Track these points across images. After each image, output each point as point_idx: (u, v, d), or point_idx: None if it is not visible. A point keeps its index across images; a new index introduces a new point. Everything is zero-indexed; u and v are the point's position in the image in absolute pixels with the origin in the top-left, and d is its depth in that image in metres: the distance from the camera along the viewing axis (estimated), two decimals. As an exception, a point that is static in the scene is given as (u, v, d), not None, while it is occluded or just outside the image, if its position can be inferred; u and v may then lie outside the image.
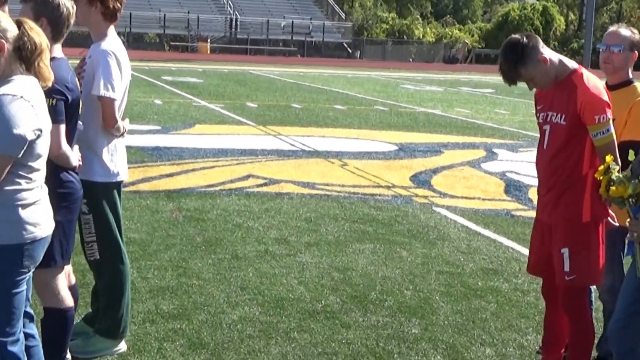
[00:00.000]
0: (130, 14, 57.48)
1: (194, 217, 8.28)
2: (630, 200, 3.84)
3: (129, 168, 5.09)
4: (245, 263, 6.77)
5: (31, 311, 3.99)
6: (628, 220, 3.95)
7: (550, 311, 4.65)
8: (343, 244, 7.52)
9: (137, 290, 5.86)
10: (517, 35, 4.28)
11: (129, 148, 5.49)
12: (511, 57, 4.19)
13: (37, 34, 3.65)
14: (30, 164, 3.58)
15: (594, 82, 4.29)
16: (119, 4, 4.72)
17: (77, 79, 4.33)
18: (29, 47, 3.59)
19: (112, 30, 4.77)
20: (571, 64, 4.36)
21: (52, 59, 3.94)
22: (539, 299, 6.13)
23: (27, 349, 3.84)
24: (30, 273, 3.75)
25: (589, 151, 4.28)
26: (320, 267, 6.77)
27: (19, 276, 3.64)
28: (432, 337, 5.34)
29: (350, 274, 6.60)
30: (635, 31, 4.81)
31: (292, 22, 67.42)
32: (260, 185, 10.16)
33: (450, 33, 77.54)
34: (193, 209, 8.60)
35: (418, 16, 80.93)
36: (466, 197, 10.06)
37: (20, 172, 3.56)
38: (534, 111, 4.61)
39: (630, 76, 4.79)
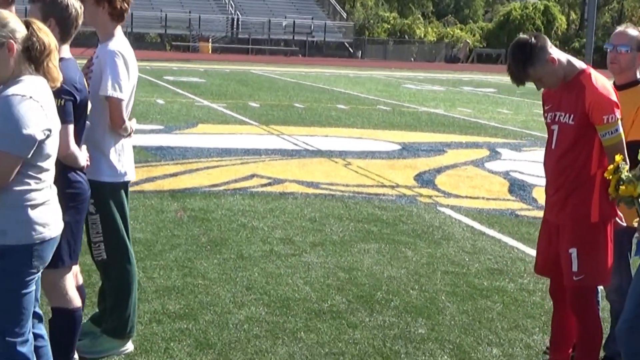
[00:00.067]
0: (132, 13, 57.40)
1: (198, 217, 8.28)
2: (639, 199, 3.84)
3: (132, 168, 5.09)
4: (250, 263, 6.77)
5: (40, 311, 3.99)
6: (636, 220, 3.95)
7: (558, 311, 4.65)
8: (348, 244, 7.52)
9: (143, 290, 5.86)
10: (525, 36, 4.27)
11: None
12: (519, 57, 4.19)
13: (46, 34, 3.65)
14: (39, 164, 3.59)
15: (602, 82, 4.29)
16: (126, 5, 4.73)
17: (84, 79, 4.33)
18: (38, 47, 3.60)
19: (119, 31, 4.77)
20: (579, 64, 4.35)
21: (61, 59, 3.93)
22: (545, 299, 6.14)
23: (36, 349, 3.84)
24: (39, 273, 3.75)
25: (597, 151, 4.28)
26: (325, 267, 6.78)
27: (28, 276, 3.64)
28: (439, 337, 5.34)
29: (355, 274, 6.60)
30: (643, 31, 4.80)
31: (294, 21, 67.39)
32: (265, 185, 10.16)
33: (451, 33, 77.51)
34: (198, 209, 8.60)
35: (419, 16, 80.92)
36: (470, 197, 10.06)
37: (30, 173, 3.56)
38: (542, 111, 4.61)
39: (638, 76, 4.79)
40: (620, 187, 3.85)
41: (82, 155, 4.26)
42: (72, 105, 4.06)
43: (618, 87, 4.67)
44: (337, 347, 5.09)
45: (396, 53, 71.89)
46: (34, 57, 3.60)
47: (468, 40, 73.15)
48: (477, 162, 12.78)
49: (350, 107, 21.42)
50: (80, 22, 4.22)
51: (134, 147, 4.96)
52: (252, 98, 22.83)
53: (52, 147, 3.64)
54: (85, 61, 4.85)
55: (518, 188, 10.76)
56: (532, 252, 7.42)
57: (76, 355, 4.50)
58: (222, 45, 64.59)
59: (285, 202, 9.23)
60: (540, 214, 9.03)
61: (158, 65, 36.95)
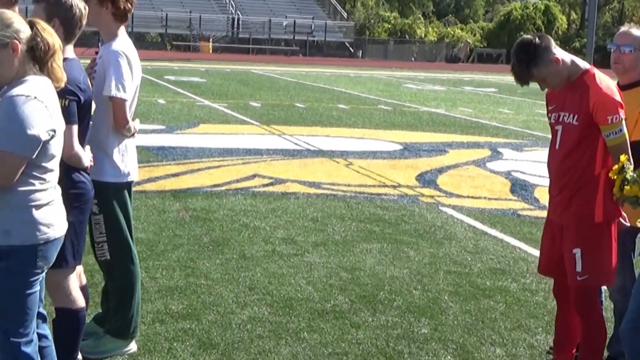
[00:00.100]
0: (133, 13, 57.32)
1: (200, 217, 8.28)
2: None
3: (134, 168, 5.08)
4: (253, 263, 6.77)
5: (44, 312, 3.99)
6: (640, 220, 3.95)
7: (562, 311, 4.65)
8: (350, 244, 7.52)
9: (146, 290, 5.86)
10: (529, 36, 4.27)
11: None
12: (523, 58, 4.19)
13: (50, 34, 3.65)
14: (44, 164, 3.58)
15: (607, 82, 4.29)
16: (129, 5, 4.74)
17: (88, 80, 4.33)
18: (42, 47, 3.59)
19: (122, 31, 4.78)
20: (583, 64, 4.36)
21: (65, 59, 3.93)
22: (548, 299, 6.14)
23: (40, 349, 3.84)
24: (44, 274, 3.75)
25: (601, 151, 4.28)
26: (328, 267, 6.77)
27: (32, 277, 3.64)
28: (442, 337, 5.34)
29: (358, 274, 6.60)
30: (647, 31, 4.80)
31: (294, 21, 67.39)
32: (266, 185, 10.16)
33: (452, 32, 77.50)
34: (200, 209, 8.60)
35: (420, 15, 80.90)
36: (472, 197, 10.06)
37: (34, 173, 3.56)
38: (545, 111, 4.61)
39: (642, 76, 4.79)
40: (625, 187, 3.86)
41: (86, 156, 4.25)
42: (76, 106, 4.06)
43: (622, 87, 4.67)
44: (340, 347, 5.09)
45: (397, 53, 71.89)
46: (38, 57, 3.60)
47: (469, 40, 73.14)
48: (479, 162, 12.78)
49: (351, 107, 21.42)
50: (84, 22, 4.21)
51: (136, 147, 4.96)
52: (253, 98, 22.83)
53: (56, 148, 3.64)
54: (87, 61, 4.84)
55: (520, 188, 10.76)
56: (534, 252, 7.43)
57: (79, 356, 4.51)
58: (223, 45, 64.61)
59: (287, 202, 9.23)
60: (542, 214, 9.08)
61: (159, 65, 36.93)
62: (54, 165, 3.67)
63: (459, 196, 10.09)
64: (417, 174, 11.44)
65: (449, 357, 5.05)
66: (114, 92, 4.57)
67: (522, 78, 4.24)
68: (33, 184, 3.57)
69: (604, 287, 4.87)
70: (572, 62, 4.32)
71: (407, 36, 75.56)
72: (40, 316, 3.91)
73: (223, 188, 9.81)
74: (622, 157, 3.94)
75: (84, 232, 4.38)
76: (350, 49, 70.51)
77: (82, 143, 4.22)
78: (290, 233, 7.81)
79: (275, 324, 5.43)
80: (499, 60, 68.64)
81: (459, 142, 15.17)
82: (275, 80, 31.98)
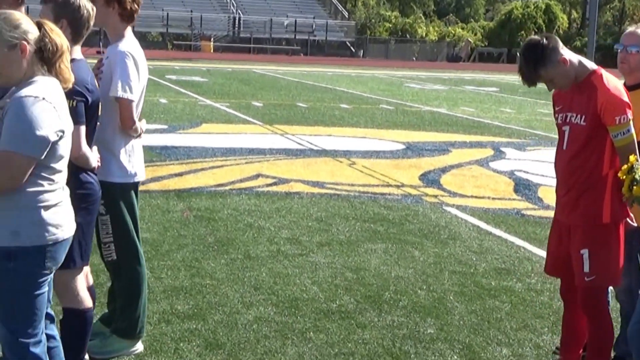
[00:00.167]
0: (134, 12, 57.36)
1: (204, 216, 8.29)
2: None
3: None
4: (258, 263, 6.77)
5: (52, 312, 3.99)
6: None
7: (569, 311, 4.65)
8: (355, 244, 7.52)
9: (151, 291, 5.86)
10: (536, 37, 4.27)
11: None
12: (531, 59, 4.19)
13: (58, 35, 3.65)
14: (52, 165, 3.58)
15: (614, 83, 4.29)
16: (136, 5, 4.73)
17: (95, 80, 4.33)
18: (50, 48, 3.59)
19: (129, 31, 4.78)
20: (590, 64, 4.35)
21: (72, 60, 3.94)
22: (553, 299, 6.15)
23: (48, 350, 3.84)
24: (52, 274, 3.75)
25: (609, 152, 4.27)
26: (333, 267, 6.78)
27: (41, 278, 3.64)
28: (448, 337, 5.34)
29: (363, 274, 6.60)
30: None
31: (295, 20, 67.42)
32: (270, 185, 10.17)
33: (453, 32, 77.51)
34: (204, 209, 8.61)
35: (421, 15, 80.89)
36: (476, 197, 10.06)
37: (43, 174, 3.56)
38: (551, 111, 4.61)
39: (649, 76, 4.78)
40: (634, 187, 3.85)
41: (94, 156, 4.26)
42: (84, 106, 4.06)
43: (628, 88, 4.65)
44: (346, 347, 5.09)
45: (398, 52, 71.92)
46: (46, 58, 3.60)
47: (470, 40, 73.14)
48: (482, 162, 12.78)
49: (353, 107, 21.41)
50: (92, 23, 4.22)
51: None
52: (255, 97, 22.83)
53: (65, 148, 3.64)
54: (91, 61, 4.84)
55: (523, 187, 10.75)
56: (539, 252, 7.44)
57: (86, 356, 4.51)
58: (224, 44, 64.62)
59: (291, 201, 9.23)
60: (546, 213, 9.10)
61: (160, 65, 36.93)
62: (63, 166, 3.67)
63: (462, 196, 10.09)
64: (420, 174, 11.44)
65: (455, 357, 5.05)
66: (120, 93, 4.57)
67: (530, 79, 4.24)
68: (42, 185, 3.57)
69: (610, 287, 4.86)
70: (580, 62, 4.32)
71: (408, 35, 75.57)
72: (49, 317, 3.91)
73: (227, 188, 9.81)
74: (632, 158, 3.94)
75: (92, 233, 4.38)
76: (352, 48, 70.54)
77: (90, 143, 4.23)
78: (294, 233, 7.81)
79: (281, 324, 5.43)
80: (500, 60, 68.64)
81: (461, 142, 15.17)
82: (276, 79, 31.99)
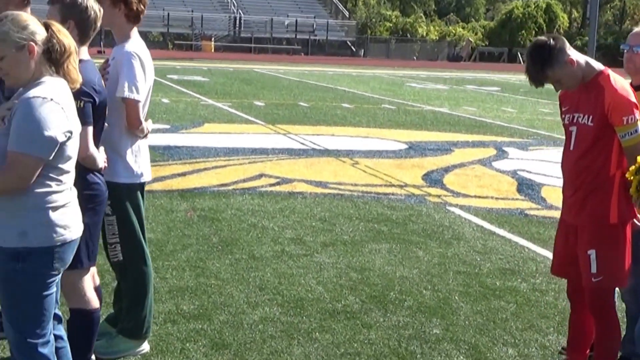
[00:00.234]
0: (135, 12, 57.34)
1: (208, 216, 8.29)
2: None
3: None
4: (262, 263, 6.77)
5: (60, 313, 3.99)
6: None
7: (576, 312, 4.65)
8: (359, 244, 7.52)
9: (157, 291, 5.86)
10: (543, 37, 4.27)
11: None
12: (538, 59, 4.18)
13: (65, 36, 3.66)
14: (60, 166, 3.59)
15: (621, 83, 4.29)
16: (142, 6, 4.76)
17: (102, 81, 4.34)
18: (58, 49, 3.60)
19: (135, 32, 4.79)
20: (597, 65, 4.35)
21: (79, 61, 3.93)
22: (558, 299, 6.15)
23: (56, 350, 3.84)
24: (60, 275, 3.75)
25: (616, 152, 4.27)
26: (337, 267, 6.78)
27: (49, 278, 3.65)
28: (454, 338, 5.34)
29: (368, 274, 6.61)
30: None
31: (296, 20, 67.43)
32: (273, 185, 10.17)
33: (453, 31, 77.49)
34: (207, 209, 8.61)
35: (421, 14, 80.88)
36: (479, 196, 10.06)
37: (51, 175, 3.56)
38: (559, 112, 4.60)
39: (655, 77, 4.78)
40: (642, 188, 3.85)
41: (101, 157, 4.26)
42: (91, 107, 4.07)
43: (634, 88, 4.65)
44: (352, 348, 5.10)
45: (398, 52, 71.92)
46: (54, 59, 3.60)
47: (470, 39, 73.12)
48: (485, 161, 12.78)
49: (355, 106, 21.41)
50: (99, 24, 4.22)
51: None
52: (257, 97, 22.83)
53: (72, 149, 3.65)
54: (98, 61, 4.85)
55: (526, 187, 10.75)
56: (543, 252, 7.44)
57: (93, 356, 4.51)
58: (225, 44, 64.64)
59: (295, 201, 9.23)
60: (549, 213, 9.10)
61: (161, 64, 36.93)
62: (70, 166, 3.67)
63: (466, 196, 10.09)
64: (423, 174, 11.44)
65: (461, 357, 5.05)
66: (126, 94, 4.57)
67: (537, 79, 4.24)
68: (50, 186, 3.57)
69: (616, 288, 4.86)
70: (587, 63, 4.32)
71: (408, 35, 75.55)
72: (56, 317, 3.91)
73: (230, 188, 9.82)
74: (639, 158, 3.94)
75: (99, 234, 4.39)
76: (352, 47, 70.55)
77: (97, 144, 4.23)
78: (298, 233, 7.81)
79: (287, 324, 5.43)
80: (500, 59, 68.61)
81: (464, 141, 15.17)
82: (278, 79, 31.99)
